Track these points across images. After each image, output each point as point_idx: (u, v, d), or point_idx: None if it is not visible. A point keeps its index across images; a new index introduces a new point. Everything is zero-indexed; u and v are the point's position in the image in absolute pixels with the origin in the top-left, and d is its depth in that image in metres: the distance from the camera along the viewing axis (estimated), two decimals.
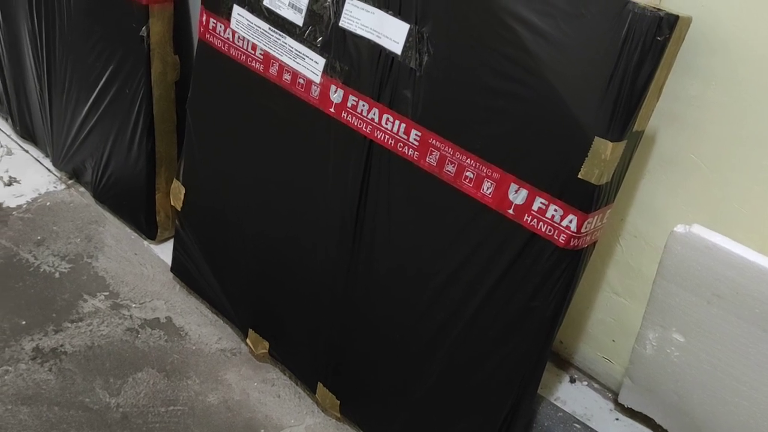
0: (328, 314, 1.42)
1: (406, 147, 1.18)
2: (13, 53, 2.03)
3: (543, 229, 1.06)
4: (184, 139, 1.63)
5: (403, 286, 1.27)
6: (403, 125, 1.17)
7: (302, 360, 1.53)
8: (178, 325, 1.69)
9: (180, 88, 1.72)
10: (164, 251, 1.87)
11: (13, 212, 1.95)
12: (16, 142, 2.20)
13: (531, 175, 1.05)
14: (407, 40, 1.14)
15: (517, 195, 1.07)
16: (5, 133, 2.23)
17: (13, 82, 2.10)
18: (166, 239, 1.90)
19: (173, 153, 1.81)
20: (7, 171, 2.09)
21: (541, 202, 1.05)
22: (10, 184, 2.04)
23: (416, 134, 1.16)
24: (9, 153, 2.16)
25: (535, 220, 1.06)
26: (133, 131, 1.73)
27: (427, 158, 1.16)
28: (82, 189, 2.05)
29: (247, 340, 1.62)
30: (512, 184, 1.07)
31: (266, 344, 1.58)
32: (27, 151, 2.17)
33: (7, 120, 2.24)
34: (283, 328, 1.54)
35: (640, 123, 1.01)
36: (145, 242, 1.91)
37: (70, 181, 2.06)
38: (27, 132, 2.17)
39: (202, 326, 1.69)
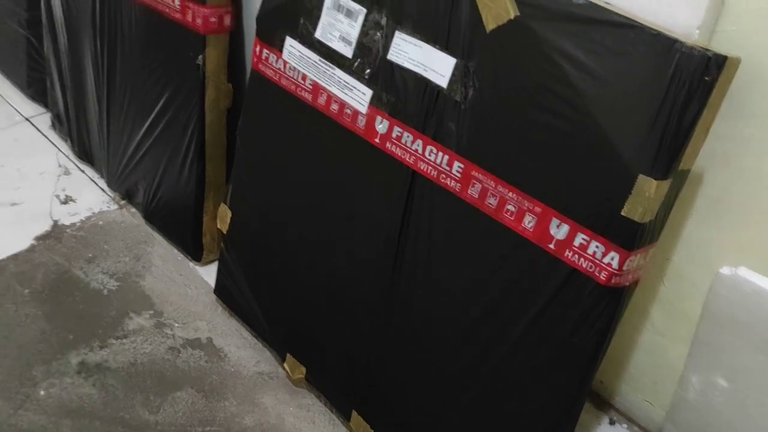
0: (366, 342, 1.43)
1: (449, 178, 1.19)
2: (76, 76, 2.13)
3: (584, 266, 1.05)
4: (233, 165, 1.68)
5: (442, 316, 1.27)
6: (446, 157, 1.19)
7: (338, 387, 1.53)
8: (219, 347, 1.72)
9: (231, 114, 1.78)
10: (208, 273, 1.91)
11: (67, 230, 2.02)
12: (73, 163, 2.29)
13: (573, 210, 1.05)
14: (453, 74, 1.16)
15: (559, 230, 1.07)
16: (64, 154, 2.32)
17: (75, 104, 2.19)
18: (211, 261, 1.94)
19: (222, 178, 1.86)
20: (63, 190, 2.17)
21: (582, 238, 1.05)
22: (66, 202, 2.12)
23: (459, 166, 1.17)
24: (67, 173, 2.25)
25: (576, 255, 1.06)
26: (185, 155, 1.79)
27: (469, 190, 1.17)
28: (133, 210, 2.11)
29: (285, 365, 1.63)
30: (554, 218, 1.07)
31: (303, 369, 1.59)
32: (83, 172, 2.26)
33: (66, 141, 2.34)
34: (320, 355, 1.55)
35: (685, 162, 1.01)
36: (191, 263, 1.96)
37: (122, 202, 2.13)
38: (84, 153, 2.26)
39: (241, 349, 1.72)
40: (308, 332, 1.56)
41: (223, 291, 1.79)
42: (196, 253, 1.93)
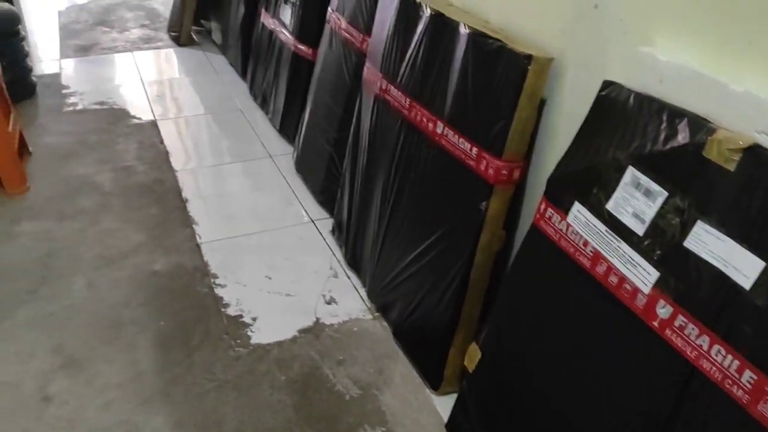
0: None
1: (736, 386, 1.09)
2: (364, 195, 2.38)
3: None
4: (494, 308, 1.72)
5: None
6: (736, 362, 1.10)
7: None
8: None
9: (498, 257, 1.84)
10: (443, 404, 1.93)
11: (326, 329, 2.21)
12: (342, 268, 2.52)
13: None
14: (760, 278, 1.08)
15: None
16: (336, 259, 2.57)
17: (357, 218, 2.44)
18: (448, 393, 1.96)
19: (476, 315, 1.91)
20: (329, 291, 2.39)
21: None
22: (329, 303, 2.33)
23: (751, 376, 1.07)
24: (335, 276, 2.48)
25: None
26: (446, 288, 1.88)
27: (760, 406, 1.06)
28: (385, 323, 2.24)
29: None
30: None
31: None
32: (349, 278, 2.47)
33: (341, 248, 2.59)
34: None
35: None
36: (427, 390, 2.00)
37: (377, 314, 2.28)
38: (354, 262, 2.48)
39: None
40: None
41: (454, 428, 1.79)
42: (435, 382, 1.98)
